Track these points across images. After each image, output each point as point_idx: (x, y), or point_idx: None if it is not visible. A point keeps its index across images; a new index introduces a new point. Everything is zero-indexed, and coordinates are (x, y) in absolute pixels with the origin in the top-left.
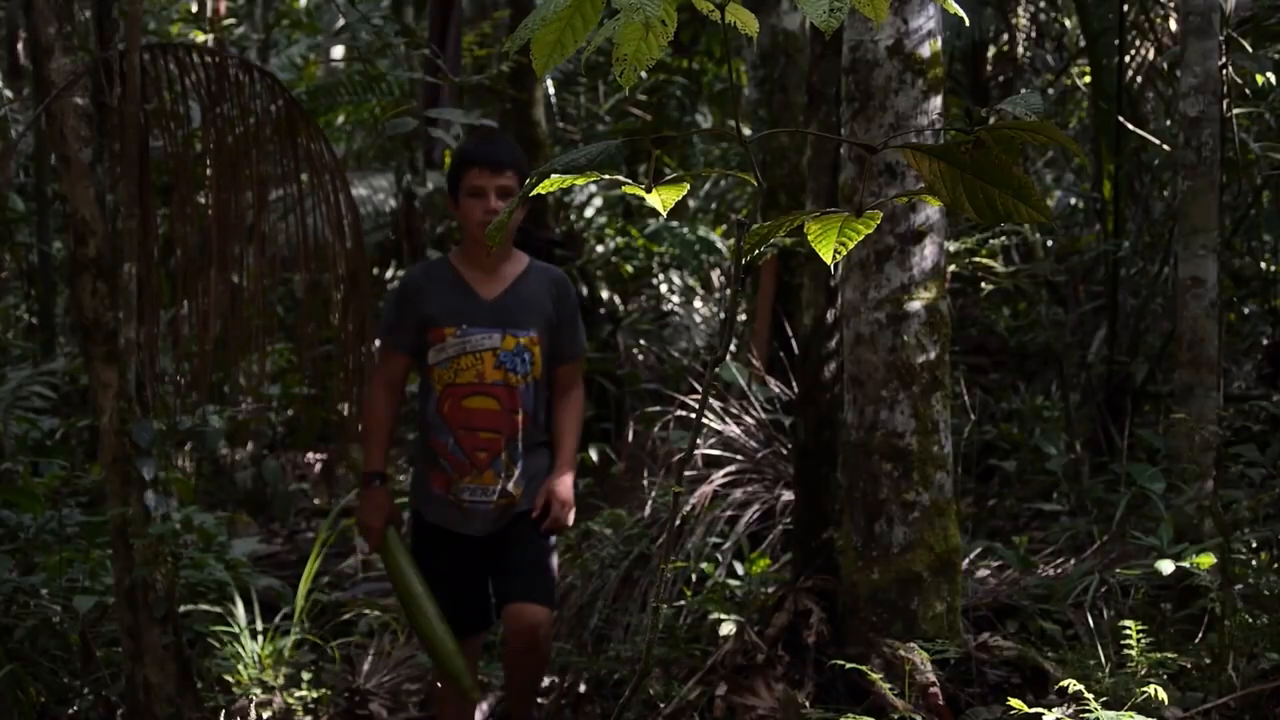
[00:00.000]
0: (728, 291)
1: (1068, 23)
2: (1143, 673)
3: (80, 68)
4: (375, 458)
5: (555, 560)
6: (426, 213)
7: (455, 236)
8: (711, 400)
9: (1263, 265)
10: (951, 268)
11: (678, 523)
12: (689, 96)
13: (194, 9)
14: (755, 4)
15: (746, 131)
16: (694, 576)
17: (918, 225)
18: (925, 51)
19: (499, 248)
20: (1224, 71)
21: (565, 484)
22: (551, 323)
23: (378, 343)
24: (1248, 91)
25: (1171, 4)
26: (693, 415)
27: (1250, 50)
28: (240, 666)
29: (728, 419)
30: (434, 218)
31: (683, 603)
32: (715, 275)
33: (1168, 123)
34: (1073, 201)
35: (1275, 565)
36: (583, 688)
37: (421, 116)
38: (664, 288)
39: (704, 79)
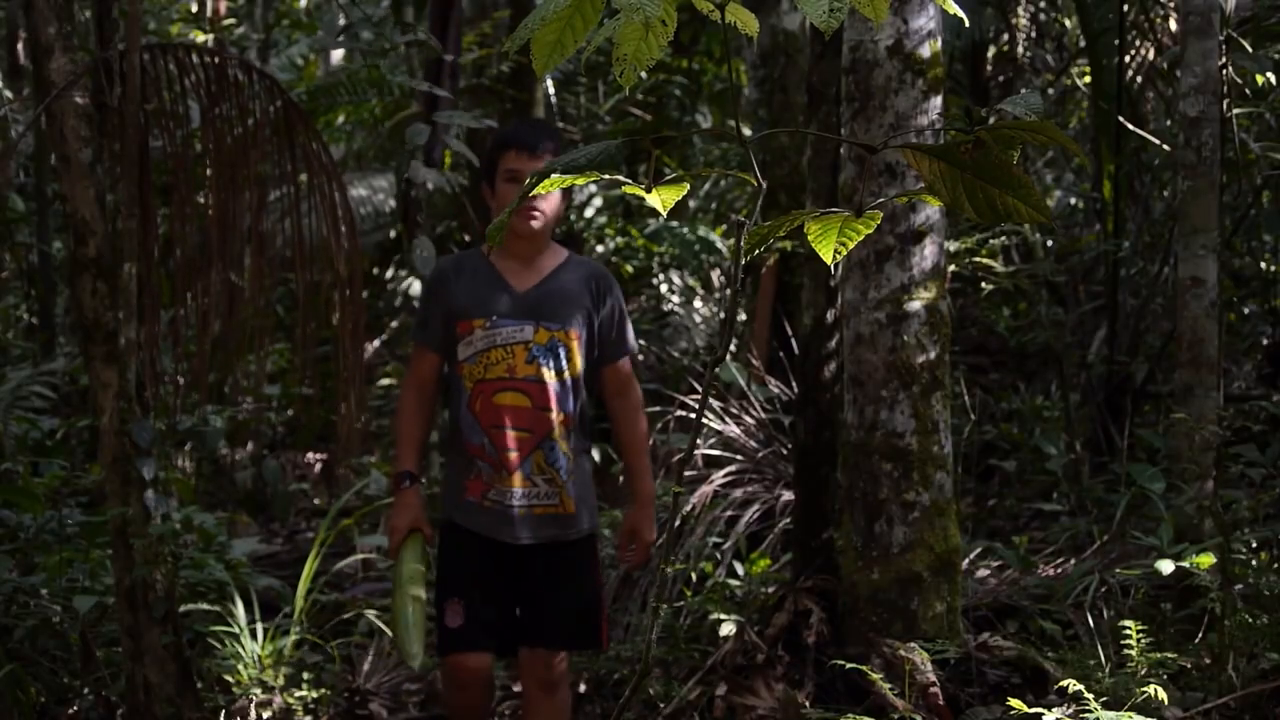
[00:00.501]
0: (728, 291)
1: (1068, 23)
2: (1143, 673)
3: (80, 68)
4: (404, 456)
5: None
6: (426, 208)
7: (456, 237)
8: (711, 400)
9: (1263, 265)
10: (951, 268)
11: (678, 523)
12: (689, 96)
13: (194, 9)
14: (755, 4)
15: (746, 131)
16: (694, 576)
17: (918, 225)
18: (925, 51)
19: (534, 240)
20: (1224, 71)
21: (647, 521)
22: (590, 318)
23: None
24: (1248, 91)
25: (1171, 4)
26: (693, 415)
27: (1250, 50)
28: (240, 666)
29: (728, 419)
30: (433, 216)
31: (683, 603)
32: (715, 275)
33: (1168, 123)
34: (1073, 201)
35: (1275, 565)
36: (583, 688)
37: (427, 120)
38: (664, 288)
39: (704, 79)
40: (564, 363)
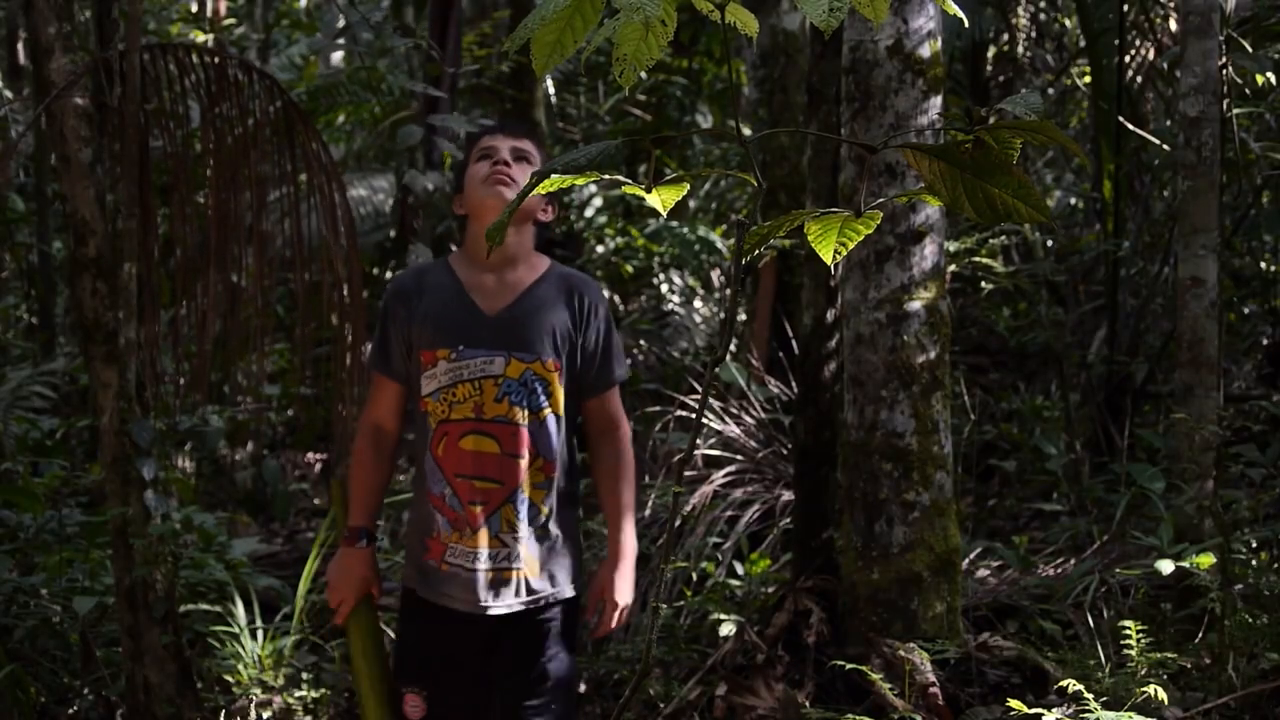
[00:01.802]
0: (728, 291)
1: (1068, 23)
2: (1143, 673)
3: (80, 68)
4: (357, 511)
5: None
6: (425, 210)
7: (457, 236)
8: (711, 400)
9: (1263, 265)
10: (951, 268)
11: (678, 523)
12: (689, 96)
13: (194, 9)
14: (755, 4)
15: (746, 131)
16: (694, 576)
17: (918, 225)
18: (925, 51)
19: (505, 246)
20: (1224, 71)
21: (620, 580)
22: (572, 343)
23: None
24: (1248, 91)
25: (1171, 4)
26: (693, 415)
27: (1250, 50)
28: (240, 666)
29: (728, 419)
30: (434, 217)
31: (683, 603)
32: (715, 275)
33: (1168, 123)
34: (1073, 201)
35: (1275, 565)
36: (583, 688)
37: (425, 123)
38: (664, 288)
39: (704, 79)
40: (542, 399)
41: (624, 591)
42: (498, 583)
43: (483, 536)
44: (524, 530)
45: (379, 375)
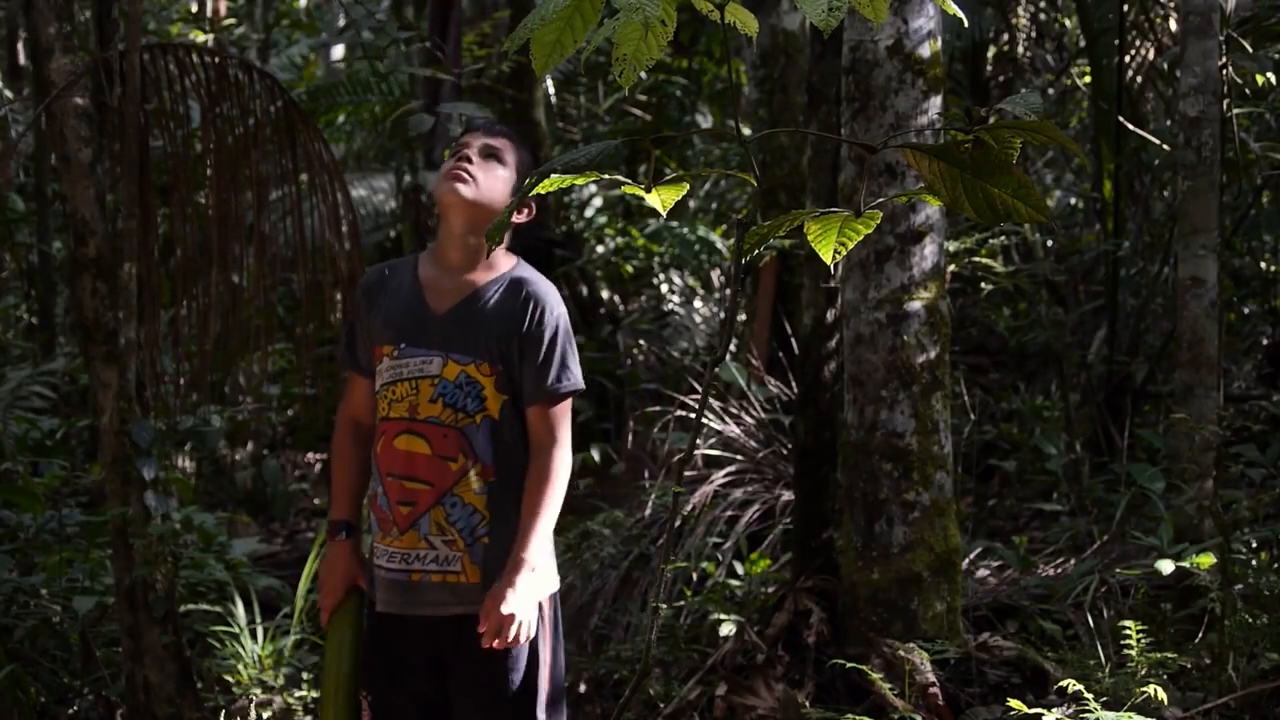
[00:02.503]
0: (728, 291)
1: (1068, 23)
2: (1143, 673)
3: (80, 68)
4: (337, 504)
5: (546, 677)
6: (432, 207)
7: None
8: (711, 400)
9: (1263, 265)
10: (951, 268)
11: (678, 523)
12: (689, 96)
13: (194, 9)
14: (755, 4)
15: (746, 131)
16: (694, 576)
17: (918, 225)
18: (925, 51)
19: (464, 246)
20: (1224, 71)
21: (507, 590)
22: (514, 348)
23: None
24: (1248, 91)
25: (1171, 4)
26: (693, 415)
27: (1250, 50)
28: (240, 666)
29: (728, 419)
30: (433, 217)
31: (683, 603)
32: (715, 275)
33: (1168, 123)
34: (1073, 201)
35: (1275, 565)
36: (583, 688)
37: (431, 111)
38: (664, 288)
39: (704, 79)
40: (476, 403)
41: (511, 602)
42: (426, 586)
43: (410, 538)
44: (457, 535)
45: (350, 372)
